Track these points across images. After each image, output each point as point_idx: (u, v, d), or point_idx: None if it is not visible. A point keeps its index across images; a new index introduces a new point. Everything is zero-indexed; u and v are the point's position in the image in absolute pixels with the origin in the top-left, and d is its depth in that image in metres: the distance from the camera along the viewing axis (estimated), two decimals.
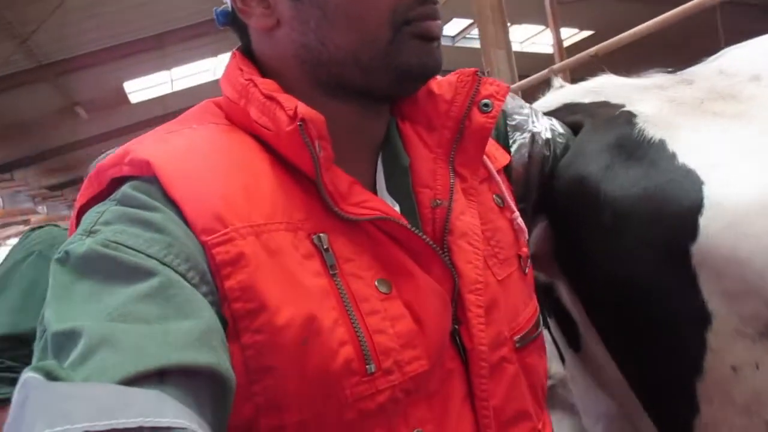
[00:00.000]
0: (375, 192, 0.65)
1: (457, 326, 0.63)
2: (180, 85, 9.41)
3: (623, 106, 0.88)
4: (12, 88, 6.99)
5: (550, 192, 0.86)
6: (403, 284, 0.59)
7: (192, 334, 0.44)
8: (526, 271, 0.73)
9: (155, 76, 8.85)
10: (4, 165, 9.38)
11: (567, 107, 0.93)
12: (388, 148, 0.68)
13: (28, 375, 0.38)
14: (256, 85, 0.60)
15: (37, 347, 0.45)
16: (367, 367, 0.53)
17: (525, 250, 0.73)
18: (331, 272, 0.55)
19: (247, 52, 0.68)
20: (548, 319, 1.14)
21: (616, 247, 0.76)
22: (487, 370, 0.63)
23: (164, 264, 0.48)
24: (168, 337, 0.43)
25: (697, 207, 0.70)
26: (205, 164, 0.56)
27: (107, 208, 0.53)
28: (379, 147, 0.68)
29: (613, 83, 0.92)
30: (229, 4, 0.67)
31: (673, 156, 0.75)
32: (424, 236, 0.61)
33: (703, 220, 0.70)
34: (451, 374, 0.61)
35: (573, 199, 0.81)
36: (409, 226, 0.60)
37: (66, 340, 0.42)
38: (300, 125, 0.55)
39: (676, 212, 0.71)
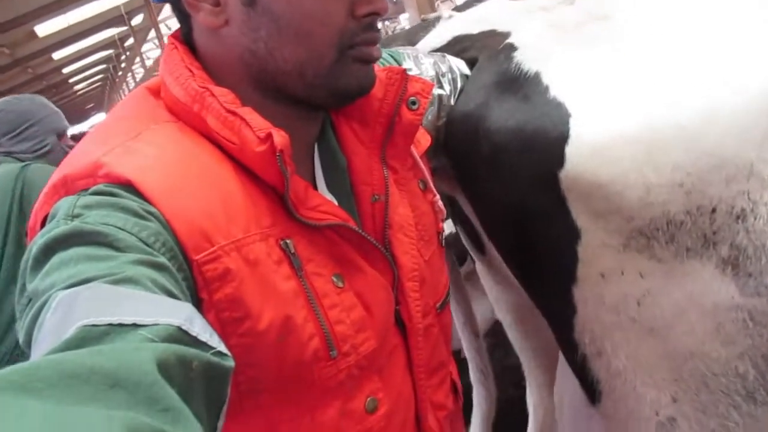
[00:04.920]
0: (315, 188, 0.70)
1: (397, 307, 0.73)
2: None
3: (509, 34, 0.91)
4: None
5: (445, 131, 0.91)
6: (354, 277, 0.67)
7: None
8: (443, 244, 0.83)
9: None
10: None
11: (457, 41, 0.95)
12: (324, 144, 0.73)
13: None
14: (214, 95, 0.61)
15: (28, 310, 0.48)
16: (330, 353, 0.63)
17: (441, 225, 0.83)
18: (298, 274, 0.62)
19: (186, 40, 0.68)
20: (455, 226, 1.23)
21: (496, 176, 0.83)
22: (422, 341, 0.75)
23: (153, 249, 0.52)
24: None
25: (564, 138, 0.77)
26: (183, 178, 0.59)
27: (80, 197, 0.55)
28: (314, 143, 0.72)
29: (500, 9, 0.94)
30: None
31: (546, 89, 0.80)
32: (371, 238, 0.69)
33: (569, 150, 0.77)
34: (395, 348, 0.73)
35: (459, 136, 0.87)
36: (358, 229, 0.67)
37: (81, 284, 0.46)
38: (279, 156, 0.58)
39: (545, 143, 0.78)
